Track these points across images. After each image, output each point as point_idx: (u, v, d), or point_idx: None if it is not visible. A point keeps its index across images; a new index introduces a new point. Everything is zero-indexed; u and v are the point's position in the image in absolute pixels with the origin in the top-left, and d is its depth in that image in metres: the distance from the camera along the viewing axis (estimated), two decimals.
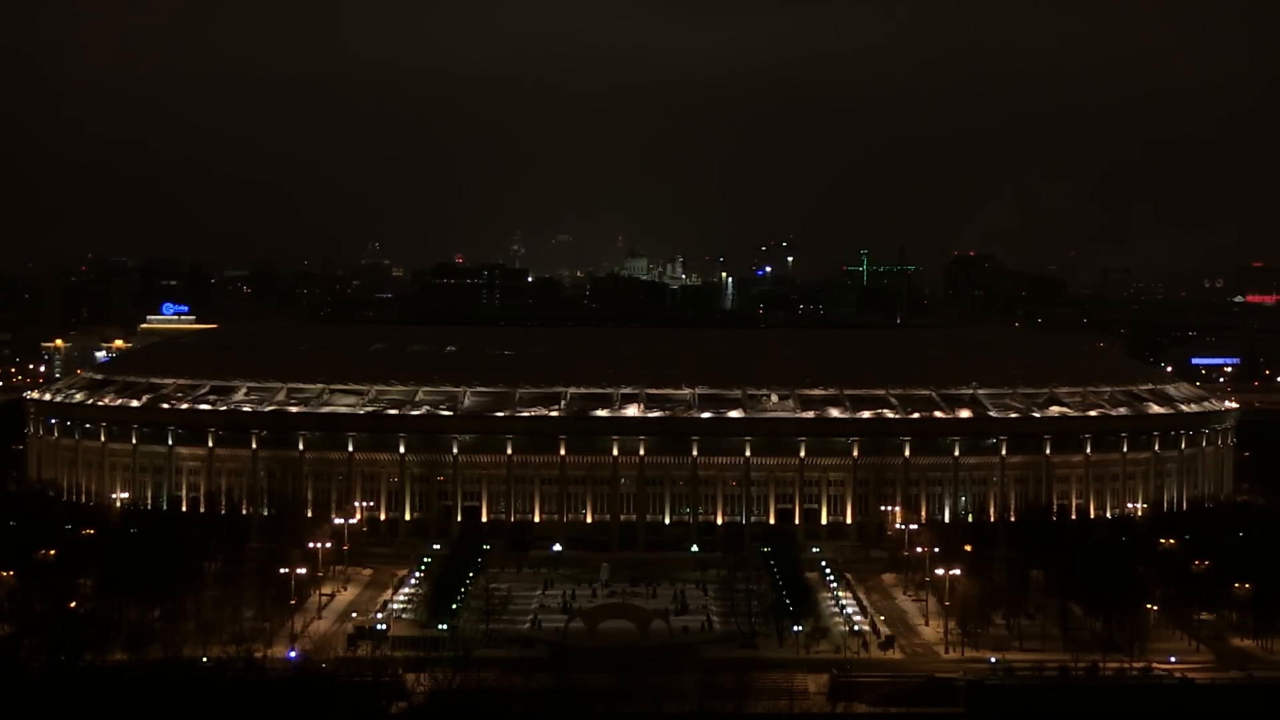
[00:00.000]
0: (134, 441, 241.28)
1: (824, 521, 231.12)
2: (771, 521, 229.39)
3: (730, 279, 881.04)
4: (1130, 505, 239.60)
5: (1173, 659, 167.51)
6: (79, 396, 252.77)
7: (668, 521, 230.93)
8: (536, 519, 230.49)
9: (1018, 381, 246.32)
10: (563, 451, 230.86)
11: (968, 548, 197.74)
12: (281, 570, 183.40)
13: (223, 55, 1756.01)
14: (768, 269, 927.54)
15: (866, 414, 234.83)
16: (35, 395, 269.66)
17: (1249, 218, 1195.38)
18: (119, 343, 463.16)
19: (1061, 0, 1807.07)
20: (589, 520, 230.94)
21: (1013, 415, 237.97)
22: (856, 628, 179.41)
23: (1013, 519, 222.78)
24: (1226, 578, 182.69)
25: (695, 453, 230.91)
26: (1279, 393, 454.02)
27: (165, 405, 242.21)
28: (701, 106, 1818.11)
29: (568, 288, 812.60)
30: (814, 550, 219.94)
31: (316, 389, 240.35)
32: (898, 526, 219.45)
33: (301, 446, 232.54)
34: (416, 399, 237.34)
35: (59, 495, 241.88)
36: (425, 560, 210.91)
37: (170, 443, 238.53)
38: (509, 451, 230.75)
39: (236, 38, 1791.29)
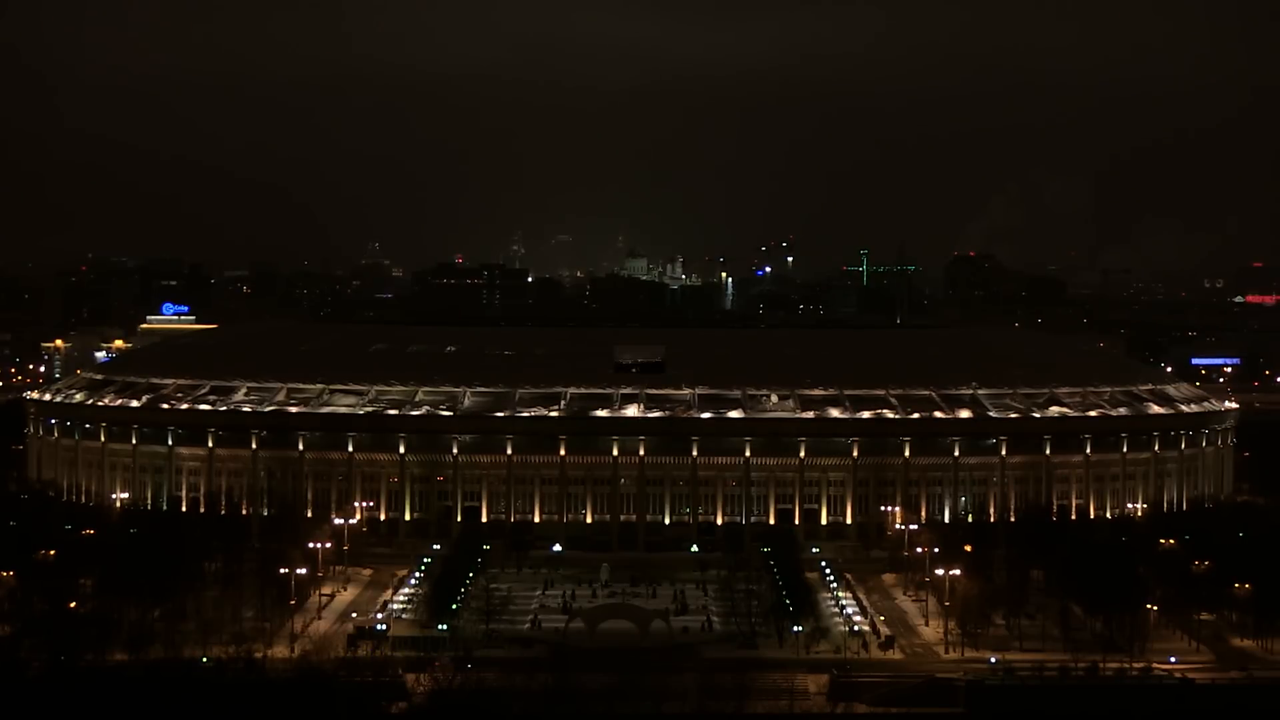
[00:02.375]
0: (134, 441, 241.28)
1: (824, 521, 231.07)
2: (771, 521, 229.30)
3: (730, 279, 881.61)
4: (1130, 505, 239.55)
5: (1173, 659, 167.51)
6: (79, 397, 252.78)
7: (668, 522, 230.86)
8: (536, 519, 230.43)
9: (1018, 381, 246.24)
10: (563, 451, 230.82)
11: (968, 548, 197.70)
12: (281, 570, 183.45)
13: (224, 55, 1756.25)
14: (768, 269, 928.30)
15: (866, 414, 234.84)
16: (35, 395, 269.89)
17: (1249, 218, 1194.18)
18: (119, 343, 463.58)
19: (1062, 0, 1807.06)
20: (589, 520, 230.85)
21: (1013, 415, 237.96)
22: (856, 628, 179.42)
23: (1013, 519, 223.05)
24: (1226, 578, 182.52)
25: (695, 453, 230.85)
26: (1279, 393, 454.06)
27: (165, 405, 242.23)
28: (701, 106, 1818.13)
29: (568, 288, 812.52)
30: (814, 550, 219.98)
31: (316, 389, 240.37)
32: (898, 526, 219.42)
33: (301, 446, 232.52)
34: (416, 399, 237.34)
35: (59, 495, 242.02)
36: (425, 560, 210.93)
37: (170, 443, 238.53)
38: (509, 451, 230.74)
39: (237, 37, 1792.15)
